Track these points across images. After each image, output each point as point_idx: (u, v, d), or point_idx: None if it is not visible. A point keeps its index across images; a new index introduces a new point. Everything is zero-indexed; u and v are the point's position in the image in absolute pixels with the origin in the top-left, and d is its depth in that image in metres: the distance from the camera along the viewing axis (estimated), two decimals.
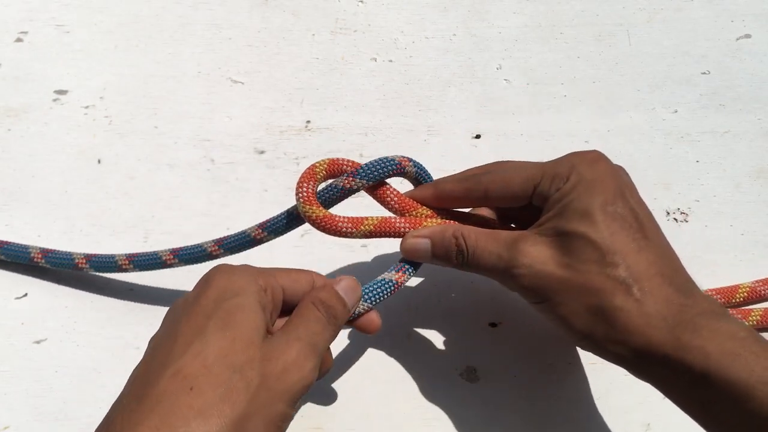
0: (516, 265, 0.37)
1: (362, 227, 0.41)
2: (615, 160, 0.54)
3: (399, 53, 0.58)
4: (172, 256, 0.45)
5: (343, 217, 0.41)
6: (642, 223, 0.37)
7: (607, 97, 0.56)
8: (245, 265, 0.37)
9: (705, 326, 0.33)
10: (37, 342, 0.47)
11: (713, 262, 0.50)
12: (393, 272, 0.41)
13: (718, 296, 0.47)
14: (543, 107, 0.56)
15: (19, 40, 0.58)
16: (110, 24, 0.59)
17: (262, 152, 0.54)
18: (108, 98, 0.56)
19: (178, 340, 0.32)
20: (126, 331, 0.47)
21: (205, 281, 0.35)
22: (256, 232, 0.43)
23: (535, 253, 0.37)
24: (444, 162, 0.53)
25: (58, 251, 0.47)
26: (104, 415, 0.32)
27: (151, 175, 0.53)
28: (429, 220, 0.42)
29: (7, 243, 0.48)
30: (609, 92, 0.57)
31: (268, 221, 0.43)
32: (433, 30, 0.59)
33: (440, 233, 0.40)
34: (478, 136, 0.55)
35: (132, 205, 0.51)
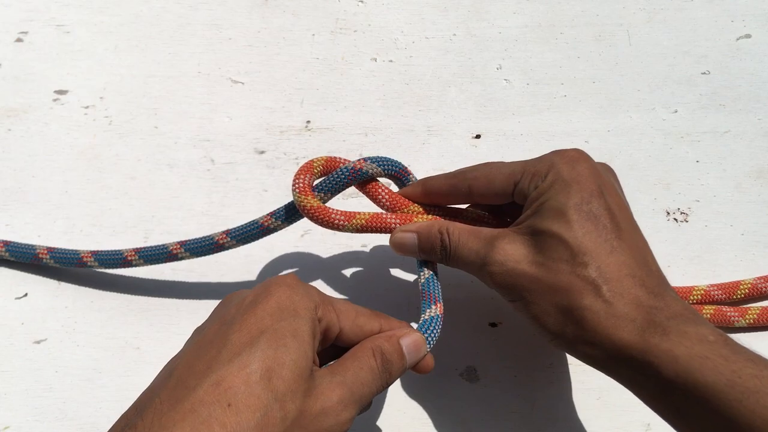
0: (490, 262, 0.37)
1: (354, 221, 0.42)
2: (615, 160, 0.55)
3: (399, 53, 0.58)
4: (179, 247, 0.45)
5: (337, 210, 0.42)
6: (617, 224, 0.36)
7: (607, 97, 0.56)
8: (310, 285, 0.36)
9: (674, 329, 0.33)
10: (37, 342, 0.47)
11: (713, 262, 0.50)
12: (432, 307, 0.41)
13: (720, 292, 0.47)
14: (543, 107, 0.56)
15: (19, 40, 0.58)
16: (110, 24, 0.59)
17: (262, 152, 0.54)
18: (108, 98, 0.56)
19: (227, 345, 0.31)
20: (126, 331, 0.47)
21: (266, 290, 0.34)
22: (265, 220, 0.43)
23: (510, 250, 0.37)
24: (444, 162, 0.53)
25: (63, 249, 0.47)
26: (136, 399, 0.31)
27: (151, 175, 0.53)
28: (419, 216, 0.43)
29: (11, 242, 0.48)
30: (609, 92, 0.57)
31: (275, 211, 0.44)
32: (433, 30, 0.59)
33: (427, 229, 0.41)
34: (478, 136, 0.55)
35: (132, 205, 0.51)
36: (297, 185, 0.41)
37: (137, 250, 0.46)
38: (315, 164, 0.42)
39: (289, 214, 0.43)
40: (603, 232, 0.36)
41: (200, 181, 0.53)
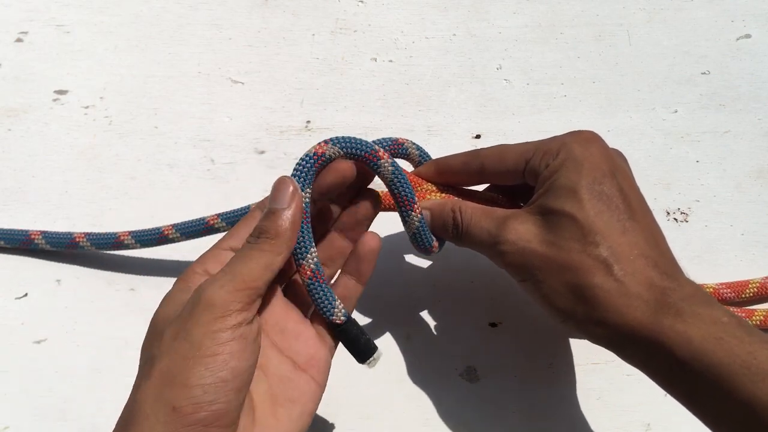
0: (501, 242, 0.37)
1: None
2: None
3: (399, 53, 0.58)
4: (171, 228, 0.46)
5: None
6: (630, 204, 0.36)
7: (607, 97, 0.57)
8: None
9: (688, 311, 0.33)
10: (37, 342, 0.47)
11: (713, 262, 0.50)
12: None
13: (728, 290, 0.47)
14: (543, 107, 0.56)
15: (19, 40, 0.58)
16: (110, 24, 0.59)
17: (262, 152, 0.54)
18: (108, 98, 0.56)
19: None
20: (126, 331, 0.47)
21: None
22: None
23: (522, 230, 0.37)
24: None
25: (57, 232, 0.48)
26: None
27: (151, 175, 0.53)
28: (432, 194, 0.42)
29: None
30: (609, 92, 0.57)
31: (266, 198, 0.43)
32: (433, 30, 0.59)
33: (440, 206, 0.41)
34: (478, 136, 0.55)
35: (132, 205, 0.51)
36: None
37: (131, 233, 0.47)
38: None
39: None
40: (615, 212, 0.36)
41: (200, 181, 0.53)
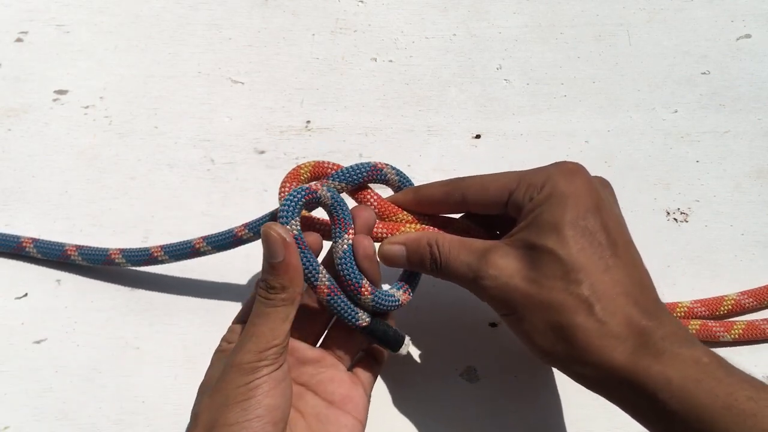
0: (483, 276, 0.37)
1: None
2: (615, 160, 0.55)
3: (399, 53, 0.58)
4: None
5: (322, 220, 0.41)
6: (613, 241, 0.36)
7: (607, 97, 0.56)
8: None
9: (667, 351, 0.33)
10: (37, 342, 0.47)
11: (713, 262, 0.50)
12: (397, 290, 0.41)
13: (703, 308, 0.47)
14: (543, 107, 0.56)
15: (19, 40, 0.58)
16: (110, 24, 0.59)
17: (262, 152, 0.54)
18: (108, 98, 0.56)
19: None
20: (126, 331, 0.47)
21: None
22: (239, 230, 0.43)
23: (503, 265, 0.36)
24: (444, 162, 0.53)
25: (92, 246, 0.48)
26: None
27: (151, 175, 0.53)
28: (408, 225, 0.42)
29: (38, 239, 0.49)
30: (609, 92, 0.57)
31: (254, 221, 0.43)
32: (433, 30, 0.59)
33: (415, 241, 0.40)
34: (478, 136, 0.55)
35: (132, 205, 0.51)
36: (282, 194, 0.40)
37: (162, 247, 0.46)
38: (302, 171, 0.41)
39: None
40: (598, 249, 0.35)
41: (200, 181, 0.53)
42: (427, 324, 0.47)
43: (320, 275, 0.38)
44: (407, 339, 0.41)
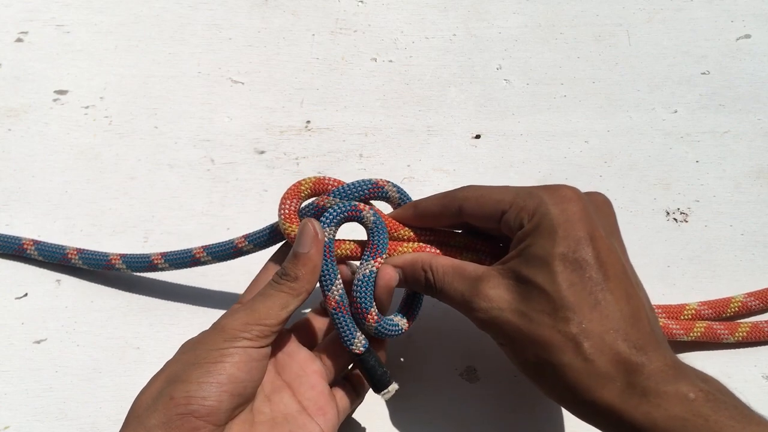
0: (475, 308, 0.37)
1: (338, 250, 0.41)
2: (615, 160, 0.55)
3: (399, 53, 0.58)
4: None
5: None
6: (605, 273, 0.35)
7: (607, 97, 0.57)
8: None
9: (653, 390, 0.32)
10: (37, 342, 0.47)
11: (713, 262, 0.50)
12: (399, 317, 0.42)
13: (710, 310, 0.47)
14: (543, 107, 0.56)
15: (19, 40, 0.58)
16: (110, 24, 0.59)
17: (262, 152, 0.54)
18: (108, 98, 0.56)
19: None
20: (126, 331, 0.47)
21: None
22: (240, 241, 0.44)
23: (494, 296, 0.36)
24: (444, 162, 0.53)
25: (93, 251, 0.48)
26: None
27: (151, 175, 0.53)
28: (406, 244, 0.42)
29: (40, 241, 0.49)
30: (609, 92, 0.57)
31: (255, 233, 0.43)
32: (433, 30, 0.59)
33: (411, 265, 0.40)
34: (478, 136, 0.55)
35: (132, 205, 0.51)
36: (282, 211, 0.40)
37: (163, 254, 0.46)
38: (302, 186, 0.41)
39: (273, 236, 0.43)
40: (588, 283, 0.34)
41: (200, 181, 0.53)
42: (427, 324, 0.47)
43: (334, 287, 0.39)
44: (393, 386, 0.40)
